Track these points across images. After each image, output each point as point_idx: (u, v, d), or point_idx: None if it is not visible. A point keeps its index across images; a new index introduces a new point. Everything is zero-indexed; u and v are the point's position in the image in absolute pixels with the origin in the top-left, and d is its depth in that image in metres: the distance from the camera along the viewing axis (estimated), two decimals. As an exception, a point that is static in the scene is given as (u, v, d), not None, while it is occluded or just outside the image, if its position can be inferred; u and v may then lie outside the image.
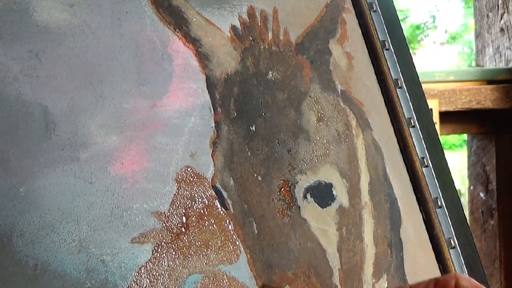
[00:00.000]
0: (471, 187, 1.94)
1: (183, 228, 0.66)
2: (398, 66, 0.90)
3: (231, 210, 0.70)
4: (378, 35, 0.90)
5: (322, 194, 0.77)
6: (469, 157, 1.96)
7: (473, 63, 2.31)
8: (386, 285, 0.78)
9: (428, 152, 0.87)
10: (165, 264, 0.64)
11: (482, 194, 1.90)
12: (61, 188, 0.61)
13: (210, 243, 0.67)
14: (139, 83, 0.69)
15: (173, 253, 0.64)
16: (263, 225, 0.71)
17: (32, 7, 0.65)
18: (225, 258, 0.67)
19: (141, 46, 0.70)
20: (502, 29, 1.89)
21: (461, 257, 0.83)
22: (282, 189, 0.74)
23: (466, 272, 0.82)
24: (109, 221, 0.63)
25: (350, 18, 0.89)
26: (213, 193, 0.69)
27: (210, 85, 0.73)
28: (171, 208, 0.66)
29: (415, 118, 0.88)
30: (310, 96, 0.80)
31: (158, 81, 0.70)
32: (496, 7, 1.91)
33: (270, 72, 0.78)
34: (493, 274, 1.85)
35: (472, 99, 1.76)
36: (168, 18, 0.73)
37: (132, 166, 0.65)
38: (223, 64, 0.75)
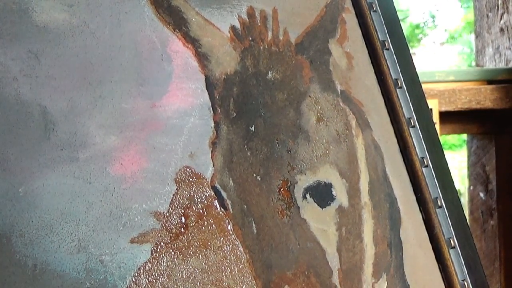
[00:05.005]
0: (471, 187, 1.94)
1: (182, 228, 0.66)
2: (398, 66, 0.90)
3: (230, 210, 0.70)
4: (378, 35, 0.89)
5: (322, 194, 0.77)
6: (469, 157, 1.96)
7: (473, 63, 2.31)
8: (386, 285, 0.77)
9: (428, 152, 0.87)
10: (164, 264, 0.64)
11: (482, 194, 1.90)
12: (60, 188, 0.61)
13: (209, 243, 0.67)
14: (138, 83, 0.69)
15: (172, 253, 0.64)
16: (263, 225, 0.71)
17: (31, 7, 0.65)
18: (224, 258, 0.67)
19: (141, 46, 0.70)
20: (502, 29, 1.89)
21: (461, 257, 0.83)
22: (282, 189, 0.74)
23: (466, 272, 0.82)
24: (108, 221, 0.63)
25: (350, 18, 0.89)
26: (213, 193, 0.69)
27: (210, 85, 0.73)
28: (170, 208, 0.66)
29: (415, 118, 0.88)
30: (310, 96, 0.80)
31: (157, 81, 0.70)
32: (496, 7, 1.91)
33: (269, 72, 0.78)
34: (493, 274, 1.85)
35: (472, 99, 1.76)
36: (167, 18, 0.73)
37: (131, 166, 0.65)
38: (223, 64, 0.75)
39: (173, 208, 0.66)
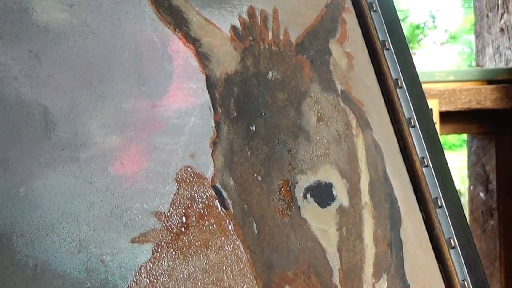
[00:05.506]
0: (471, 187, 1.94)
1: (183, 228, 0.66)
2: (398, 66, 0.90)
3: (231, 210, 0.70)
4: (378, 35, 0.90)
5: (322, 194, 0.77)
6: (469, 157, 1.96)
7: (473, 63, 2.31)
8: (386, 285, 0.78)
9: (428, 152, 0.87)
10: (165, 264, 0.64)
11: (482, 194, 1.90)
12: (61, 188, 0.61)
13: (210, 243, 0.67)
14: (139, 83, 0.69)
15: (173, 253, 0.64)
16: (263, 225, 0.71)
17: (32, 7, 0.65)
18: (225, 258, 0.67)
19: (141, 46, 0.70)
20: (502, 29, 1.89)
21: (461, 257, 0.83)
22: (282, 189, 0.74)
23: (466, 272, 0.83)
24: (109, 221, 0.63)
25: (350, 18, 0.89)
26: (213, 193, 0.69)
27: (210, 85, 0.73)
28: (171, 208, 0.66)
29: (415, 118, 0.88)
30: (310, 96, 0.80)
31: (158, 81, 0.70)
32: (496, 7, 1.91)
33: (270, 72, 0.78)
34: (493, 274, 1.85)
35: (472, 99, 1.76)
36: (168, 18, 0.73)
37: (132, 166, 0.65)
38: (223, 64, 0.75)
39: (174, 208, 0.66)
